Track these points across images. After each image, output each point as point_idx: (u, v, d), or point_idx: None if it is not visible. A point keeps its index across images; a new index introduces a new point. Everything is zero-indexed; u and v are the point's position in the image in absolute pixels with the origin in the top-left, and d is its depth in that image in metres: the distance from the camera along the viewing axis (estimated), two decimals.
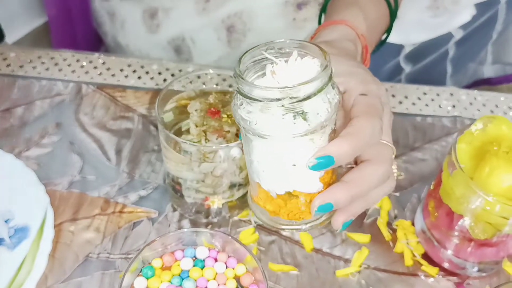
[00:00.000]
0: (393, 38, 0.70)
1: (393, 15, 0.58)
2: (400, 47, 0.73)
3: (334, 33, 0.50)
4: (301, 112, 0.35)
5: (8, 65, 0.66)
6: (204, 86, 0.52)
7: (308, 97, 0.34)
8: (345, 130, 0.37)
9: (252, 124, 0.36)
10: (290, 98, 0.34)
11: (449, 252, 0.49)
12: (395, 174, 0.43)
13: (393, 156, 0.41)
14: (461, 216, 0.46)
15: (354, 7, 0.53)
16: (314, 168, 0.36)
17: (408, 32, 0.72)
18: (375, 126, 0.38)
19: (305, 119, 0.35)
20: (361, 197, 0.39)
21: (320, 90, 0.34)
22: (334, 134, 0.38)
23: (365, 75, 0.43)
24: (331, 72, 0.35)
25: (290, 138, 0.35)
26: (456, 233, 0.48)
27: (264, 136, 0.36)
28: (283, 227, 0.41)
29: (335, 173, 0.39)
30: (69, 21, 0.82)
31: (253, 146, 0.38)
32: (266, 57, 0.37)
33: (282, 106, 0.34)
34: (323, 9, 0.59)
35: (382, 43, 0.60)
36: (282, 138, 0.36)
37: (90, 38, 0.84)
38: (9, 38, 0.89)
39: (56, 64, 0.66)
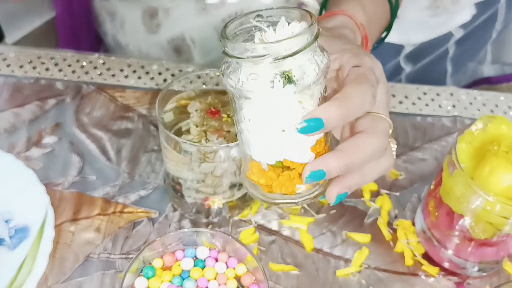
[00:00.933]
0: (393, 38, 0.70)
1: (393, 12, 0.58)
2: (400, 47, 0.73)
3: (332, 22, 0.50)
4: (287, 71, 0.35)
5: (8, 65, 0.66)
6: (204, 86, 0.52)
7: (293, 54, 0.34)
8: (335, 96, 0.37)
9: (239, 85, 0.36)
10: (275, 56, 0.34)
11: (450, 251, 0.49)
12: (393, 153, 0.42)
13: (390, 131, 0.40)
14: (461, 216, 0.46)
15: (352, 0, 0.53)
16: (303, 131, 0.36)
17: (408, 32, 0.72)
18: (365, 92, 0.37)
19: (291, 78, 0.35)
20: (355, 167, 0.38)
21: (305, 47, 0.34)
22: (324, 101, 0.37)
23: (358, 49, 0.43)
24: (318, 30, 0.35)
25: (277, 96, 0.35)
26: (456, 233, 0.48)
27: (251, 96, 0.36)
28: (277, 201, 0.40)
29: (327, 144, 0.39)
30: (72, 20, 0.82)
31: (243, 113, 0.37)
32: (254, 26, 0.37)
33: (269, 64, 0.34)
34: (323, 5, 0.59)
35: (381, 40, 0.60)
36: (269, 96, 0.35)
37: (90, 38, 0.84)
38: (9, 38, 0.89)
39: (56, 64, 0.66)
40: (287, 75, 0.35)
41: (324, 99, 0.38)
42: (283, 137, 0.37)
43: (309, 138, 0.37)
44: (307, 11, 0.37)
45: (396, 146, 0.42)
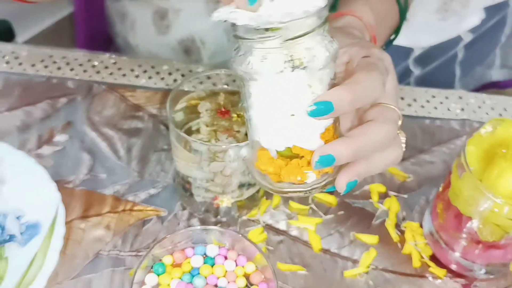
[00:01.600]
0: (402, 41, 0.70)
1: (402, 14, 0.58)
2: (409, 50, 0.73)
3: (341, 22, 0.50)
4: (297, 53, 0.35)
5: (20, 64, 0.66)
6: (214, 87, 0.53)
7: (304, 34, 0.34)
8: (345, 81, 0.37)
9: (249, 68, 0.36)
10: (285, 36, 0.34)
11: (457, 254, 0.50)
12: (403, 145, 0.42)
13: (400, 122, 0.41)
14: (469, 218, 0.47)
15: (360, 0, 0.53)
16: (313, 114, 0.36)
17: (417, 35, 0.72)
18: (375, 78, 0.38)
19: (301, 60, 0.35)
20: (363, 154, 0.38)
21: (315, 29, 0.35)
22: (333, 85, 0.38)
23: (367, 43, 0.43)
24: (327, 15, 0.36)
25: (287, 79, 0.35)
26: (464, 235, 0.48)
27: (261, 79, 0.36)
28: (285, 189, 0.40)
29: (336, 133, 0.39)
30: (88, 20, 0.83)
31: (252, 98, 0.37)
32: None
33: (279, 45, 0.34)
34: (334, 7, 0.60)
35: (390, 42, 0.60)
36: (278, 79, 0.35)
37: (102, 38, 0.85)
38: (20, 37, 0.90)
39: (67, 64, 0.67)
40: (297, 57, 0.35)
41: (333, 86, 0.38)
42: (292, 122, 0.37)
43: (319, 124, 0.37)
44: None
45: (405, 139, 0.42)
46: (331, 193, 0.56)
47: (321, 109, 0.36)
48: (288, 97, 0.36)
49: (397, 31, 0.59)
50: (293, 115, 0.37)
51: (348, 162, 0.39)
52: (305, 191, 0.40)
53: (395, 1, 0.57)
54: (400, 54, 0.73)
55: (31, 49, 0.68)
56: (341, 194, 0.42)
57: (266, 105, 0.37)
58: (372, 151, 0.39)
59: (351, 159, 0.38)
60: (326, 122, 0.38)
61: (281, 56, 0.35)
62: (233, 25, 0.36)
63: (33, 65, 0.66)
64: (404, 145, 0.42)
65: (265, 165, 0.39)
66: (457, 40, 0.74)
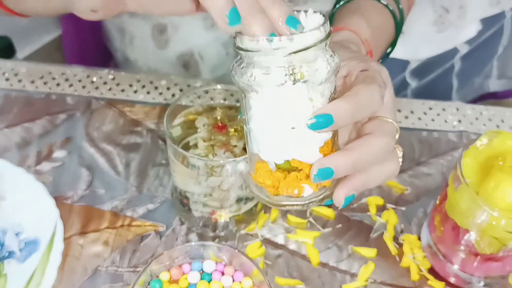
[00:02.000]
0: (399, 54, 0.70)
1: (398, 27, 0.58)
2: (406, 63, 0.74)
3: (337, 37, 0.51)
4: (299, 67, 0.35)
5: (19, 81, 0.67)
6: (211, 101, 0.53)
7: (306, 48, 0.35)
8: (344, 94, 0.38)
9: (251, 80, 0.36)
10: (288, 49, 0.35)
11: (455, 266, 0.49)
12: (399, 159, 0.42)
13: (397, 136, 0.41)
14: (466, 231, 0.47)
15: (356, 15, 0.54)
16: (313, 127, 0.36)
17: (414, 47, 0.72)
18: (373, 91, 0.38)
19: (303, 74, 0.35)
20: (362, 167, 0.39)
21: (318, 43, 0.35)
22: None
23: (365, 56, 0.44)
24: (330, 29, 0.36)
25: (288, 92, 0.36)
26: (462, 248, 0.48)
27: (262, 91, 0.36)
28: (283, 203, 0.40)
29: (334, 147, 0.39)
30: (81, 36, 0.83)
31: (252, 110, 0.38)
32: None
33: (281, 58, 0.35)
34: (329, 20, 0.60)
35: (386, 56, 0.60)
36: (280, 91, 0.36)
37: (100, 53, 0.86)
38: (20, 54, 0.91)
39: (66, 80, 0.67)
40: (299, 71, 0.35)
41: (333, 99, 0.38)
42: (293, 135, 0.37)
43: (318, 138, 0.38)
44: (320, 12, 0.38)
45: (402, 153, 0.43)
46: (329, 206, 0.56)
47: (321, 122, 0.36)
48: (289, 110, 0.37)
49: (393, 44, 0.59)
50: (293, 128, 0.37)
51: (346, 176, 0.39)
52: (303, 204, 0.40)
53: (391, 15, 0.57)
54: (396, 67, 0.73)
55: (30, 66, 0.69)
56: (339, 208, 0.42)
57: (267, 117, 0.37)
58: (370, 164, 0.39)
59: (349, 172, 0.38)
60: (325, 135, 0.38)
61: (283, 69, 0.35)
62: (235, 37, 0.37)
63: (32, 82, 0.67)
64: (401, 159, 0.42)
65: (263, 177, 0.39)
66: (453, 51, 0.74)
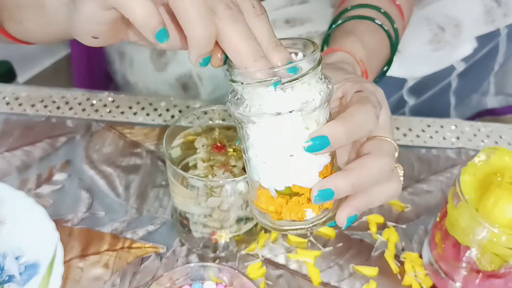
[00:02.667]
0: (395, 72, 0.71)
1: (393, 47, 0.59)
2: (403, 81, 0.74)
3: (332, 58, 0.51)
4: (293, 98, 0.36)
5: (20, 104, 0.68)
6: (210, 122, 0.53)
7: (299, 78, 0.35)
8: (339, 116, 0.38)
9: (247, 112, 0.37)
10: (281, 80, 0.35)
11: (457, 284, 0.49)
12: (401, 178, 0.42)
13: (396, 154, 0.41)
14: (467, 248, 0.47)
15: (351, 36, 0.55)
16: (310, 149, 0.37)
17: (411, 66, 0.73)
18: (368, 111, 0.39)
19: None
20: (362, 188, 0.39)
21: (310, 71, 0.36)
22: None
23: (359, 78, 0.44)
24: (320, 57, 0.37)
25: (285, 121, 0.36)
26: (463, 265, 0.48)
27: (258, 122, 0.37)
28: (286, 227, 0.40)
29: (334, 169, 0.40)
30: (90, 59, 0.84)
31: (251, 140, 0.38)
32: None
33: (274, 90, 0.35)
34: (325, 41, 0.61)
35: (383, 75, 0.61)
36: (276, 121, 0.36)
37: (102, 76, 0.87)
38: (21, 78, 0.92)
39: (67, 103, 0.68)
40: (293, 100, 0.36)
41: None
42: (292, 162, 0.38)
43: (317, 163, 0.38)
44: (310, 40, 0.39)
45: (403, 172, 0.43)
46: (333, 227, 0.56)
47: (317, 144, 0.37)
48: (286, 139, 0.37)
49: (389, 63, 0.60)
50: (292, 155, 0.37)
51: (348, 196, 0.39)
52: (307, 228, 0.40)
53: (386, 35, 0.58)
54: (394, 85, 0.74)
55: (30, 90, 0.69)
56: (342, 229, 0.42)
57: (265, 147, 0.38)
58: (370, 184, 0.39)
59: (350, 192, 0.39)
60: (324, 159, 0.39)
61: (278, 98, 0.36)
62: (228, 69, 0.37)
63: (32, 105, 0.67)
64: (402, 178, 0.42)
65: (265, 204, 0.40)
66: (450, 69, 0.75)
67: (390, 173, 0.40)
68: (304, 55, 0.38)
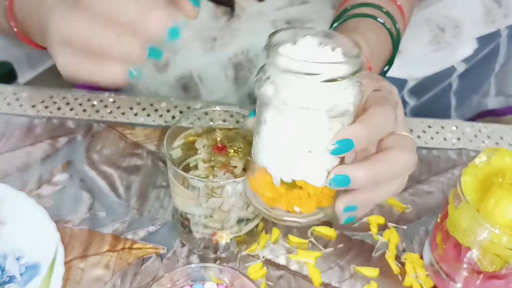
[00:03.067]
0: (396, 73, 0.71)
1: (395, 46, 0.59)
2: (403, 82, 0.74)
3: None
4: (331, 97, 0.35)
5: (21, 105, 0.68)
6: (211, 123, 0.53)
7: (344, 78, 0.35)
8: (360, 118, 0.38)
9: (278, 96, 0.36)
10: (325, 76, 0.34)
11: (458, 285, 0.49)
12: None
13: (415, 149, 0.41)
14: (468, 249, 0.46)
15: (355, 33, 0.55)
16: (335, 152, 0.37)
17: (411, 67, 0.73)
18: (388, 113, 0.39)
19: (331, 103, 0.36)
20: (379, 181, 0.38)
21: (354, 73, 0.35)
22: None
23: (375, 75, 0.44)
24: (364, 62, 0.37)
25: (313, 117, 0.36)
26: (464, 266, 0.48)
27: (286, 110, 0.36)
28: (281, 217, 0.40)
29: None
30: None
31: (269, 126, 0.37)
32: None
33: (317, 83, 0.35)
34: None
35: (384, 74, 0.61)
36: (305, 115, 0.36)
37: None
38: (22, 79, 0.92)
39: (67, 104, 0.68)
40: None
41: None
42: (307, 158, 0.37)
43: (331, 162, 0.38)
44: (353, 40, 0.38)
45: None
46: (330, 225, 0.56)
47: (342, 147, 0.37)
48: (308, 134, 0.37)
49: (390, 62, 0.60)
50: (309, 151, 0.37)
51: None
52: (302, 222, 0.40)
53: (388, 34, 0.58)
54: (394, 85, 0.74)
55: (31, 90, 0.69)
56: (340, 223, 0.42)
57: (284, 137, 0.37)
58: (390, 178, 0.39)
59: (365, 184, 0.38)
60: (336, 161, 0.38)
61: (315, 93, 0.35)
62: (268, 48, 0.36)
63: (33, 106, 0.67)
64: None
65: (263, 189, 0.39)
66: (450, 70, 0.75)
67: (413, 167, 0.40)
68: (343, 53, 0.37)
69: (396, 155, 0.39)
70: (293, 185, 0.38)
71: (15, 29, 0.54)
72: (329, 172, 0.38)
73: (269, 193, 0.39)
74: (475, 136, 0.66)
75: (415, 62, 0.73)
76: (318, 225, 0.41)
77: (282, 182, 0.39)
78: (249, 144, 0.51)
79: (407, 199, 0.59)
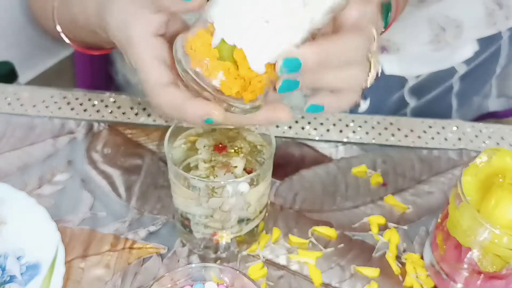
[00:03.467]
0: (395, 70, 0.71)
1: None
2: (403, 80, 0.74)
3: None
4: None
5: (21, 105, 0.68)
6: None
7: None
8: (324, 38, 0.36)
9: None
10: None
11: (459, 285, 0.49)
12: (371, 73, 0.39)
13: (375, 44, 0.38)
14: (469, 249, 0.46)
15: None
16: (281, 71, 0.35)
17: (410, 65, 0.73)
18: (355, 48, 0.36)
19: None
20: (329, 63, 0.36)
21: None
22: (313, 38, 0.36)
23: None
24: None
25: None
26: (465, 266, 0.48)
27: None
28: (205, 86, 0.36)
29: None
30: (91, 59, 0.84)
31: None
32: None
33: None
34: None
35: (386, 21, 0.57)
36: None
37: (103, 76, 0.86)
38: (22, 78, 0.92)
39: (68, 103, 0.68)
40: None
41: (314, 35, 0.36)
42: (260, 27, 0.34)
43: (279, 46, 0.35)
44: None
45: (376, 71, 0.40)
46: (330, 226, 0.56)
47: (288, 65, 0.35)
48: (275, 2, 0.34)
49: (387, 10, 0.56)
50: (267, 22, 0.34)
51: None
52: (238, 107, 0.37)
53: None
54: (394, 84, 0.74)
55: (32, 90, 0.69)
56: (277, 88, 0.37)
57: None
58: (338, 60, 0.36)
59: (315, 66, 0.36)
60: (292, 41, 0.35)
61: None
62: None
63: (34, 106, 0.67)
64: (373, 75, 0.39)
65: (197, 46, 0.35)
66: (452, 71, 0.75)
67: (361, 58, 0.37)
68: None
69: (346, 38, 0.36)
70: (229, 54, 0.35)
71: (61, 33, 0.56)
72: (273, 63, 0.35)
73: (201, 51, 0.35)
74: (476, 136, 0.66)
75: (414, 60, 0.73)
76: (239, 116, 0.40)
77: (220, 46, 0.35)
78: (250, 144, 0.51)
79: (408, 199, 0.59)
